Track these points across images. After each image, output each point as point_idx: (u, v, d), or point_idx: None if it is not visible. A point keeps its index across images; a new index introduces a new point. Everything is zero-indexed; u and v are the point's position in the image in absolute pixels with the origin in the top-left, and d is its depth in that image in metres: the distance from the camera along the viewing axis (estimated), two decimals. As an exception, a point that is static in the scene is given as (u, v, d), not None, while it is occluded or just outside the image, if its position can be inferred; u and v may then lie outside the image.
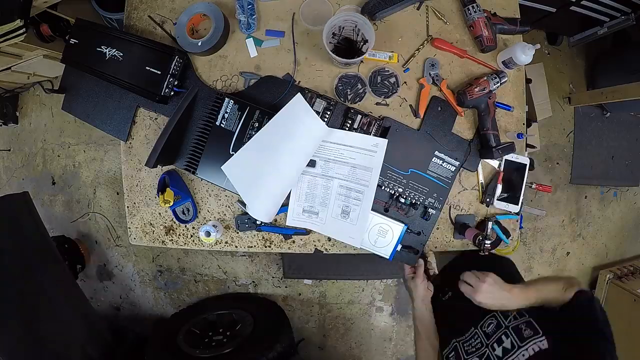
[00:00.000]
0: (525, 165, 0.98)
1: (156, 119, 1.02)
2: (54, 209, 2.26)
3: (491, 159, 0.96)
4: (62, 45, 1.85)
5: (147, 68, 0.93)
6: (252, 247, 1.01)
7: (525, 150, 1.03)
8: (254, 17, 0.96)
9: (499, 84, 0.92)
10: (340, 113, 0.95)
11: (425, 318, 0.89)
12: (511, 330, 0.64)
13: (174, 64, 0.92)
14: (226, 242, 1.01)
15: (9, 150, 2.32)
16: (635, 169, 2.31)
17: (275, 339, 1.61)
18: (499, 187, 0.98)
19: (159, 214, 1.03)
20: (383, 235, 0.93)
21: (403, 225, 0.94)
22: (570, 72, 2.23)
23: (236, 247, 1.01)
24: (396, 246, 0.94)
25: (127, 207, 1.04)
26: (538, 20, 1.83)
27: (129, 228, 1.05)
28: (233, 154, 0.91)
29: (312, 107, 0.92)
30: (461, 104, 0.95)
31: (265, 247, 1.01)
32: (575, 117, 2.21)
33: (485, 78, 0.93)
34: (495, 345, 0.65)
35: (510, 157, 0.97)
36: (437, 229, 1.00)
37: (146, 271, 2.23)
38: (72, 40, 1.01)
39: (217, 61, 1.00)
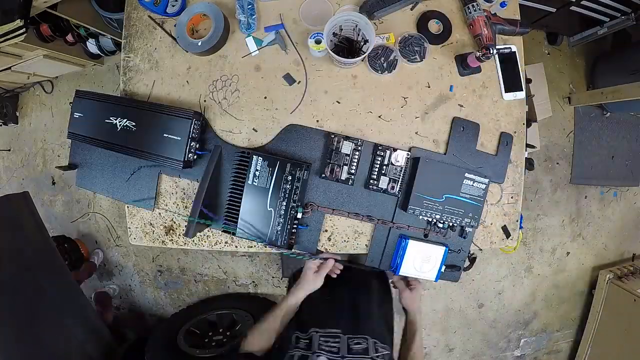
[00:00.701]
0: (514, 51, 1.00)
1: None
2: (54, 209, 2.26)
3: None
4: (62, 45, 1.87)
5: (165, 135, 0.90)
6: (252, 247, 1.01)
7: (526, 150, 1.03)
8: (254, 17, 0.96)
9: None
10: (369, 152, 0.95)
11: (292, 308, 0.87)
12: None
13: (192, 127, 0.90)
14: (226, 242, 1.01)
15: (9, 150, 2.32)
16: (635, 169, 2.31)
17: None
18: (501, 79, 1.00)
19: (159, 214, 1.03)
20: (427, 261, 0.95)
21: (444, 247, 0.95)
22: (570, 72, 2.24)
23: (236, 247, 1.01)
24: (440, 268, 0.96)
25: (127, 207, 1.04)
26: (538, 20, 1.84)
27: (129, 228, 1.05)
28: (271, 210, 0.91)
29: (340, 150, 0.93)
30: (493, 47, 0.91)
31: (265, 247, 1.01)
32: (575, 117, 2.22)
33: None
34: None
35: (499, 47, 0.95)
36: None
37: (146, 271, 2.23)
38: (76, 114, 0.97)
39: (217, 61, 1.00)
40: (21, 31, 1.25)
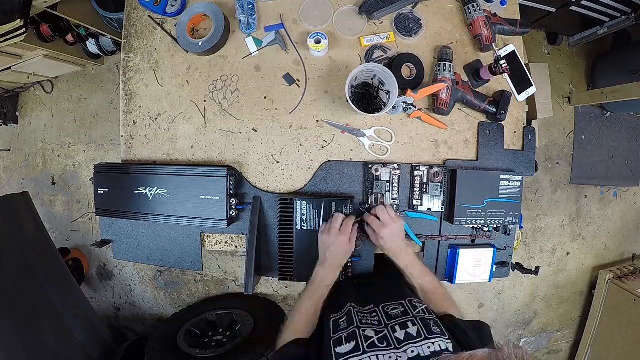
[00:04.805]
0: (513, 50, 1.00)
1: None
2: (54, 209, 2.26)
3: (503, 121, 0.98)
4: (62, 45, 1.87)
5: (202, 197, 0.88)
6: (252, 247, 1.01)
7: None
8: (254, 17, 0.96)
9: (446, 70, 0.92)
10: (407, 171, 0.95)
11: (328, 281, 0.78)
12: (419, 320, 0.61)
13: (228, 184, 0.88)
14: (226, 242, 1.01)
15: (9, 150, 2.32)
16: (635, 169, 2.31)
17: (275, 339, 1.60)
18: (511, 84, 1.00)
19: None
20: (479, 265, 0.98)
21: (492, 248, 0.98)
22: (570, 72, 2.24)
23: (236, 247, 1.01)
24: (492, 268, 0.98)
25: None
26: (538, 20, 1.83)
27: (129, 228, 1.05)
28: None
29: (380, 178, 0.93)
30: (444, 113, 0.95)
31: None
32: (575, 117, 2.22)
33: (438, 78, 0.92)
34: (397, 327, 0.60)
35: (501, 52, 0.97)
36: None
37: (146, 271, 2.23)
38: (100, 190, 0.95)
39: (217, 61, 0.99)
40: (21, 31, 1.25)
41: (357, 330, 0.60)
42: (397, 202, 0.94)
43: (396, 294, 0.72)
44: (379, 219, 0.83)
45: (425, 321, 0.61)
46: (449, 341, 0.56)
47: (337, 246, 0.81)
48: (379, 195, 0.94)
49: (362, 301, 0.72)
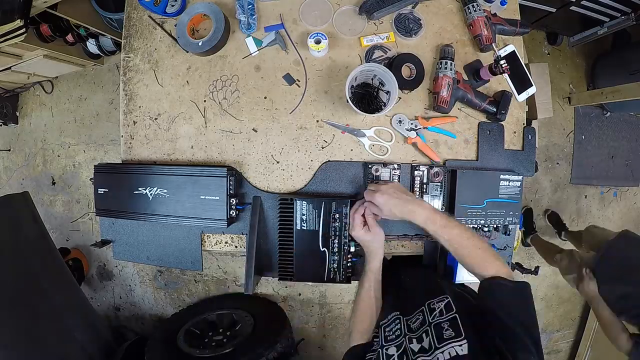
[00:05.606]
0: (513, 50, 1.00)
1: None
2: (54, 209, 2.27)
3: (503, 120, 0.98)
4: (62, 45, 1.87)
5: (202, 197, 0.88)
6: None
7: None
8: (254, 17, 0.96)
9: (448, 68, 0.92)
10: (407, 171, 0.95)
11: (376, 277, 0.82)
12: (432, 328, 0.59)
13: (228, 184, 0.88)
14: (226, 242, 1.01)
15: (9, 150, 2.32)
16: (635, 169, 2.31)
17: (275, 339, 1.61)
18: (511, 84, 1.00)
19: (159, 213, 1.03)
20: None
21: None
22: (570, 72, 2.24)
23: (236, 247, 1.01)
24: None
25: (127, 207, 1.04)
26: (538, 20, 1.84)
27: (129, 228, 1.05)
28: (324, 250, 0.91)
29: (380, 177, 0.93)
30: (444, 111, 0.95)
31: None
32: (575, 117, 2.22)
33: (439, 76, 0.92)
34: (414, 340, 0.60)
35: (501, 52, 0.98)
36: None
37: (146, 271, 2.23)
38: (100, 190, 0.95)
39: (217, 61, 0.99)
40: (21, 31, 1.25)
41: (380, 350, 0.64)
42: None
43: (417, 299, 0.70)
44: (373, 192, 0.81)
45: (438, 326, 0.59)
46: (463, 342, 0.53)
47: (360, 239, 0.85)
48: None
49: (389, 309, 0.74)
